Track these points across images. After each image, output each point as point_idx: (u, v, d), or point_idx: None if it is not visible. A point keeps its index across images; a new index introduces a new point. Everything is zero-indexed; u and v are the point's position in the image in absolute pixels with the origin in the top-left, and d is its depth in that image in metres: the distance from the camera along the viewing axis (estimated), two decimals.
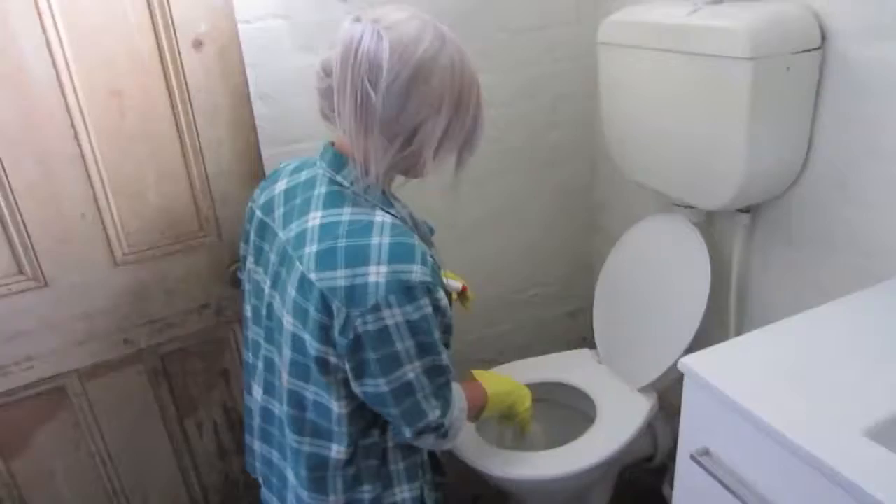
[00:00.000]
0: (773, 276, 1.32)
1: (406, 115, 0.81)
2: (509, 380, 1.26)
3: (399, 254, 0.81)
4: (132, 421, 1.30)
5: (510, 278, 1.83)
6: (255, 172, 1.25)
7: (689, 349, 1.32)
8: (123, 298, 1.20)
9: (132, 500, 1.34)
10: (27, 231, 1.09)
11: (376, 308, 0.80)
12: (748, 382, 0.80)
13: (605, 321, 1.59)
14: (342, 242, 0.82)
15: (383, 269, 0.80)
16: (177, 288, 1.24)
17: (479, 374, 1.23)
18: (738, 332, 1.41)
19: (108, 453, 1.29)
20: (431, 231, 0.99)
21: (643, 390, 1.45)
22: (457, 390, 1.00)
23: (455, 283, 1.24)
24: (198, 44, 1.12)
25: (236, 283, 1.26)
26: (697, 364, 0.84)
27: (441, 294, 0.86)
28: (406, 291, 0.80)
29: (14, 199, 1.06)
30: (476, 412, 1.19)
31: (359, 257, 0.80)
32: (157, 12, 1.07)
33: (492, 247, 1.76)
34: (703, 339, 1.27)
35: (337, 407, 0.88)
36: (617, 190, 1.76)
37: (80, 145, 1.08)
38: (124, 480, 1.32)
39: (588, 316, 1.66)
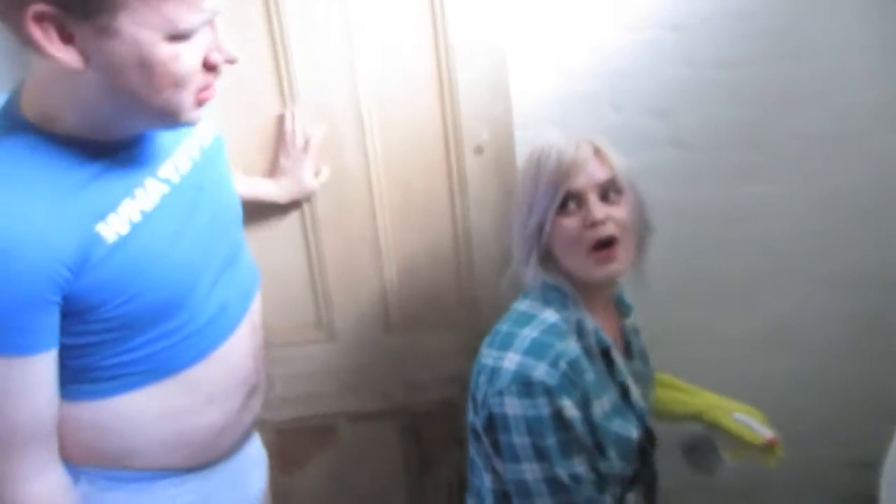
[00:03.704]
0: None
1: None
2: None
3: (534, 349, 0.87)
4: (381, 468, 1.46)
5: (776, 406, 1.60)
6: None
7: None
8: (389, 359, 1.38)
9: None
10: (329, 293, 1.34)
11: (500, 393, 0.86)
12: None
13: None
14: (505, 327, 0.92)
15: (516, 358, 0.87)
16: (432, 358, 1.39)
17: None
18: None
19: (359, 493, 1.47)
20: (600, 343, 0.96)
21: None
22: None
23: (763, 431, 1.11)
24: (479, 150, 1.27)
25: None
26: None
27: (567, 404, 0.86)
28: (524, 385, 0.85)
29: (324, 266, 1.32)
30: None
31: (507, 343, 0.89)
32: (450, 120, 1.26)
33: (758, 367, 1.58)
34: None
35: (486, 479, 0.94)
36: None
37: (376, 226, 1.31)
38: None
39: (876, 472, 1.38)
